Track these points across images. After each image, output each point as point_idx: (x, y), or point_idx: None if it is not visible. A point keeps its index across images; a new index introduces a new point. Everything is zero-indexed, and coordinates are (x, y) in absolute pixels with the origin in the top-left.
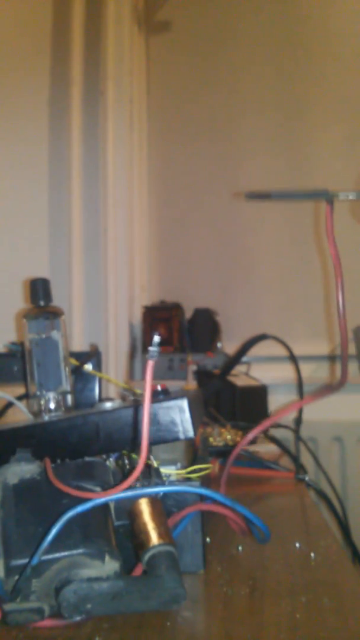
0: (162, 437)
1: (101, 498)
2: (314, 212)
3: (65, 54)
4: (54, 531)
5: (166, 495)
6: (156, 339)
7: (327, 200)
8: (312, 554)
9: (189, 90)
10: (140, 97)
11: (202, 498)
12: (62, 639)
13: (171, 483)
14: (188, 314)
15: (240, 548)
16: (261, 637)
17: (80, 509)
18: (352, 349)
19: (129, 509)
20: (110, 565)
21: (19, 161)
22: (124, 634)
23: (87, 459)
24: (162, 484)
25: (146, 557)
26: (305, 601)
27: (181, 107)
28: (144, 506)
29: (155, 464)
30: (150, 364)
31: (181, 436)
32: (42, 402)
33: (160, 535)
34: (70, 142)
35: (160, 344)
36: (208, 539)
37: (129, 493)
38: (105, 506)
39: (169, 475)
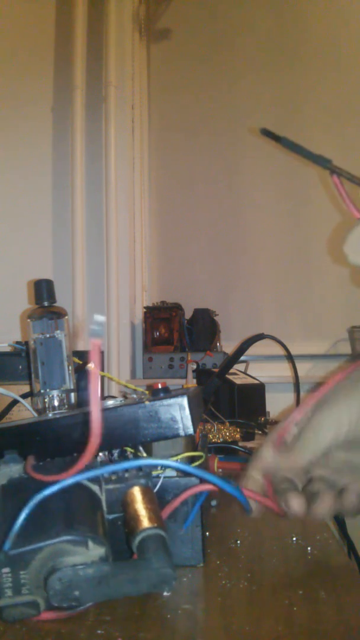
0: (163, 434)
1: (64, 479)
2: (312, 213)
3: (68, 61)
4: (23, 515)
5: (163, 487)
6: (99, 318)
7: (330, 170)
8: (309, 548)
9: (189, 96)
10: (142, 102)
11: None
12: (65, 631)
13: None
14: (188, 314)
15: (238, 542)
16: (259, 629)
17: (47, 491)
18: (346, 349)
19: (121, 500)
20: (95, 551)
21: (24, 165)
22: (125, 626)
23: (75, 454)
24: (152, 475)
25: (136, 541)
26: (303, 594)
27: (181, 113)
28: (135, 494)
29: (142, 452)
30: (97, 343)
31: (181, 433)
32: (46, 399)
33: (149, 519)
34: (73, 147)
35: (161, 343)
36: (207, 533)
37: (92, 472)
38: (91, 496)
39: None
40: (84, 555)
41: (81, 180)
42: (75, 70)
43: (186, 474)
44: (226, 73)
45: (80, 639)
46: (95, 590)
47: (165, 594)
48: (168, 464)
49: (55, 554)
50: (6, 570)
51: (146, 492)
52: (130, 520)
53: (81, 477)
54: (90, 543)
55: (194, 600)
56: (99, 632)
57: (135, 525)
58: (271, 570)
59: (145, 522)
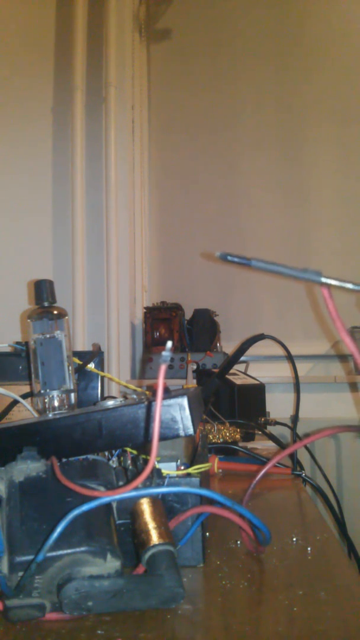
0: (163, 434)
1: (106, 497)
2: (311, 213)
3: (68, 61)
4: (59, 529)
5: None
6: (169, 344)
7: (321, 285)
8: (309, 548)
9: (189, 96)
10: (142, 103)
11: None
12: (65, 631)
13: (172, 482)
14: (188, 314)
15: (238, 542)
16: (259, 629)
17: (86, 507)
18: (346, 349)
19: (130, 509)
20: (112, 564)
21: (24, 165)
22: (125, 627)
23: (90, 458)
24: (163, 484)
25: (146, 556)
26: (302, 594)
27: (181, 112)
28: (145, 506)
29: (156, 464)
30: (163, 367)
31: (181, 433)
32: (47, 400)
33: (160, 535)
34: (73, 147)
35: (161, 343)
36: (207, 534)
37: (133, 493)
38: (108, 505)
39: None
40: (100, 567)
41: (81, 180)
42: (75, 71)
43: (186, 474)
44: (226, 73)
45: (80, 639)
46: (108, 602)
47: None
48: (211, 495)
49: (74, 563)
50: (20, 573)
51: (155, 503)
52: (140, 532)
53: (122, 497)
54: (108, 555)
55: (194, 601)
56: (99, 632)
57: (146, 539)
58: (271, 570)
59: (155, 538)
